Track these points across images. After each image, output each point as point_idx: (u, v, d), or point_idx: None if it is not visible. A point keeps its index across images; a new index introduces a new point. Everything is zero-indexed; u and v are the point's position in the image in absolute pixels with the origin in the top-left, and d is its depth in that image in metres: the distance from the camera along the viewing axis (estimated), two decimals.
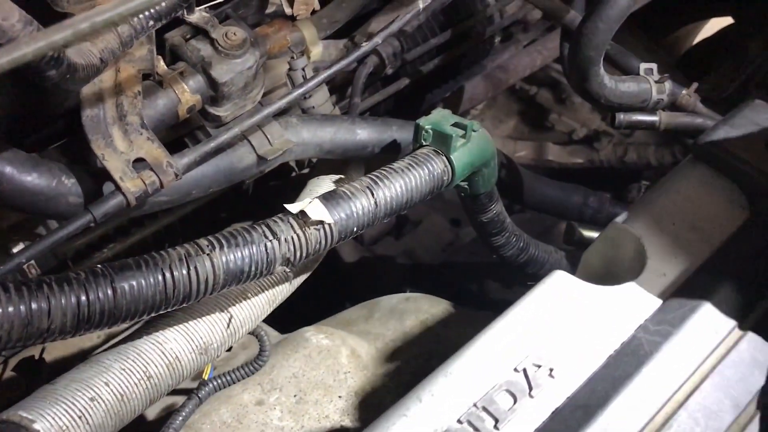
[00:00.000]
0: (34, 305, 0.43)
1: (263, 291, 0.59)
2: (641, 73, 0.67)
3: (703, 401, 0.41)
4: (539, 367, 0.42)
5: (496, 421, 0.40)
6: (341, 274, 1.09)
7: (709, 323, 0.43)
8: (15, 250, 0.68)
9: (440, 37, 0.98)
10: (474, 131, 0.65)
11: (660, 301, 0.45)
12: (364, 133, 0.71)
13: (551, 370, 0.42)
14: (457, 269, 1.13)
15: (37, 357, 0.67)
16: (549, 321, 0.44)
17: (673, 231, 0.48)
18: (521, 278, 0.79)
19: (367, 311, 0.84)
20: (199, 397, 0.66)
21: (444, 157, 0.64)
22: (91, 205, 0.54)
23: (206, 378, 0.68)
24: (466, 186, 0.70)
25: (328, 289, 0.91)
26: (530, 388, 0.41)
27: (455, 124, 0.66)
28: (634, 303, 0.45)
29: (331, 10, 0.83)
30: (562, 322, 0.44)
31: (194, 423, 0.70)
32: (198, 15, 0.66)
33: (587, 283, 0.46)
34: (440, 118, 0.66)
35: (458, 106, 1.07)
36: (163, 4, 0.53)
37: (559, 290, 0.46)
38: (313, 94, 0.78)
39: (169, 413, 0.72)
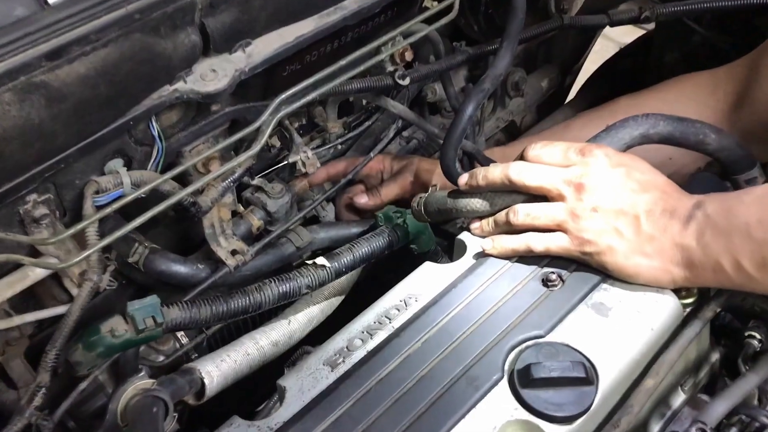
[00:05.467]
0: (194, 310, 0.97)
1: (307, 308, 1.12)
2: None
3: (474, 302, 0.91)
4: (411, 297, 0.92)
5: (390, 319, 0.90)
6: None
7: (485, 272, 0.94)
8: None
9: None
10: (407, 214, 1.19)
11: (466, 267, 0.96)
12: (354, 229, 1.26)
13: (416, 298, 0.92)
14: None
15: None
16: (419, 280, 0.95)
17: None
18: None
19: None
20: None
21: (392, 229, 1.17)
22: (212, 275, 1.09)
23: None
24: (415, 247, 1.23)
25: None
26: (406, 306, 0.91)
27: (396, 211, 1.20)
28: (458, 268, 0.96)
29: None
30: (425, 280, 0.95)
31: None
32: (257, 180, 1.24)
33: (437, 264, 0.97)
34: (387, 209, 1.20)
35: None
36: (236, 175, 1.10)
37: (426, 268, 0.97)
38: (328, 212, 1.36)
39: None
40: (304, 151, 1.22)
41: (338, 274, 1.08)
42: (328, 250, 1.24)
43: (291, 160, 1.22)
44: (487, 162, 1.19)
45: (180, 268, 1.08)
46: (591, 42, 1.96)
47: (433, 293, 0.92)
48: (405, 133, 1.50)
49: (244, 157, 0.94)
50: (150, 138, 0.94)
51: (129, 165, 0.96)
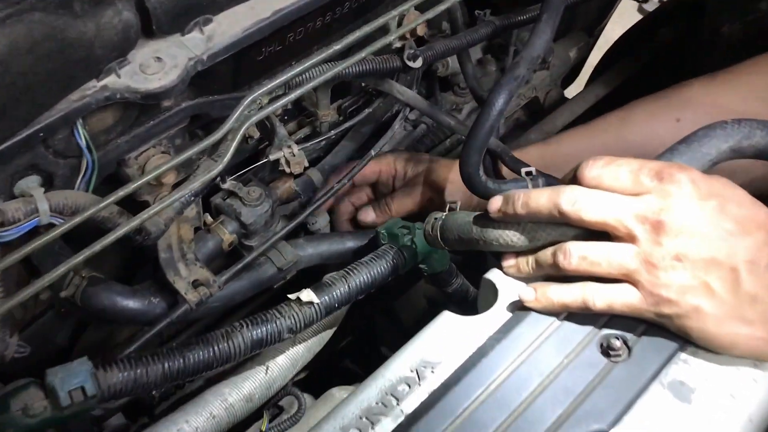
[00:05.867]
0: (140, 370, 0.75)
1: (291, 348, 0.90)
2: (522, 175, 0.95)
3: (512, 379, 0.68)
4: (425, 367, 0.70)
5: (398, 400, 0.68)
6: None
7: (525, 333, 0.71)
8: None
9: None
10: (417, 230, 0.95)
11: (503, 321, 0.72)
12: (350, 243, 1.02)
13: (433, 368, 0.69)
14: None
15: None
16: (435, 341, 0.72)
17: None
18: None
19: None
20: None
21: (397, 250, 0.94)
22: (169, 312, 0.86)
23: (263, 429, 0.99)
24: (425, 267, 0.99)
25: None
26: (420, 380, 0.69)
27: (403, 227, 0.96)
28: (487, 324, 0.73)
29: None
30: (443, 340, 0.72)
31: None
32: (229, 183, 0.99)
33: (460, 316, 0.73)
34: (392, 224, 0.96)
35: None
36: (199, 187, 0.86)
37: (443, 322, 0.74)
38: (318, 220, 1.11)
39: None
40: (289, 145, 0.98)
41: (329, 310, 0.86)
42: (317, 270, 1.01)
43: (272, 157, 0.98)
44: (516, 165, 0.95)
45: (128, 304, 0.85)
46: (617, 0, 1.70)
47: (456, 362, 0.69)
48: (411, 116, 1.25)
49: (199, 183, 0.70)
50: (76, 148, 0.70)
51: (50, 183, 0.71)
